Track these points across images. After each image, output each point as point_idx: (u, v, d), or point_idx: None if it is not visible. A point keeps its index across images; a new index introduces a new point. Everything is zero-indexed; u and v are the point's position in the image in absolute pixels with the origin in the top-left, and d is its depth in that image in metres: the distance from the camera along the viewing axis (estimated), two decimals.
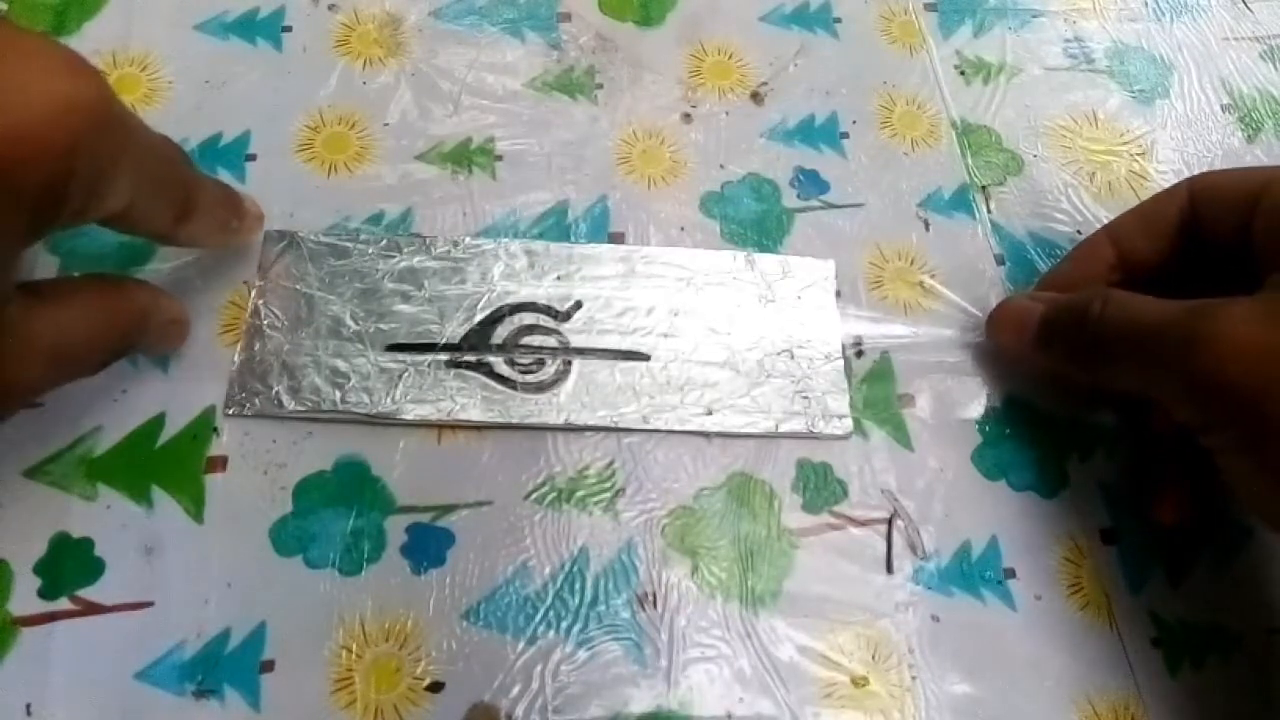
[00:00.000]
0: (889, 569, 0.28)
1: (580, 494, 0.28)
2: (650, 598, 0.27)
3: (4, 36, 0.19)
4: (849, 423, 0.30)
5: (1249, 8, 0.41)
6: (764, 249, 0.33)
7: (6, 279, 0.20)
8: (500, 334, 0.30)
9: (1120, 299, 0.26)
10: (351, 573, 0.26)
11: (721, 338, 0.31)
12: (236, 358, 0.29)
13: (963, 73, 0.38)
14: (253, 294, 0.30)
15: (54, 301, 0.23)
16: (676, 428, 0.29)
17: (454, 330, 0.30)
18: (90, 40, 0.34)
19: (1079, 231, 0.34)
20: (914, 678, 0.27)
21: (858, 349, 0.31)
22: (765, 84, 0.37)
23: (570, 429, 0.29)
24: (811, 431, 0.29)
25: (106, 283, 0.26)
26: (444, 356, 0.29)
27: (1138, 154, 0.36)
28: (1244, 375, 0.22)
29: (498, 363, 0.29)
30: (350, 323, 0.30)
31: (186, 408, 0.28)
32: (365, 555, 0.27)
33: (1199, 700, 0.27)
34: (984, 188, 0.35)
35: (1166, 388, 0.25)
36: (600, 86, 0.36)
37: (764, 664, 0.26)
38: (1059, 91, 0.38)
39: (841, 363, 0.31)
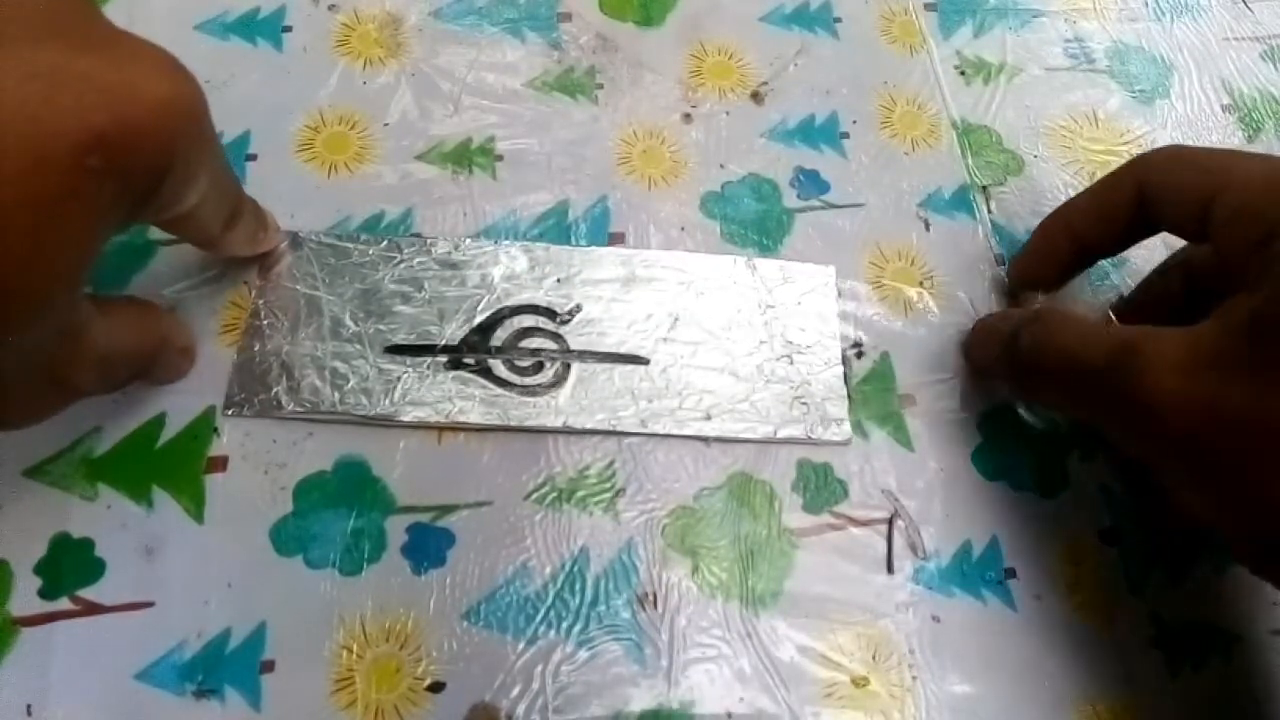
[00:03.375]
0: (889, 569, 0.28)
1: (580, 494, 0.28)
2: (650, 598, 0.27)
3: (117, 38, 0.20)
4: (848, 429, 0.29)
5: (1249, 8, 0.41)
6: (764, 249, 0.33)
7: (90, 267, 0.21)
8: (500, 336, 0.30)
9: (1048, 325, 0.25)
10: (352, 573, 0.26)
11: (721, 342, 0.31)
12: (236, 358, 0.29)
13: (963, 73, 0.38)
14: (253, 294, 0.30)
15: (105, 311, 0.24)
16: (675, 432, 0.29)
17: (453, 332, 0.30)
18: None
19: None
20: (914, 678, 0.27)
21: (858, 349, 0.31)
22: (765, 84, 0.37)
23: (569, 432, 0.29)
24: (810, 438, 0.29)
25: (140, 304, 0.27)
26: (443, 358, 0.29)
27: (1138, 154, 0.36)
28: (1174, 420, 0.21)
29: (497, 365, 0.29)
30: (350, 324, 0.30)
31: (186, 408, 0.28)
32: (365, 555, 0.27)
33: (1199, 701, 0.27)
34: (984, 188, 0.35)
35: (1105, 424, 0.24)
36: (600, 86, 0.36)
37: (764, 664, 0.26)
38: (1059, 91, 0.38)
39: (841, 369, 0.30)
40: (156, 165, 0.20)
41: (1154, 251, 0.34)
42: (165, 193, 0.21)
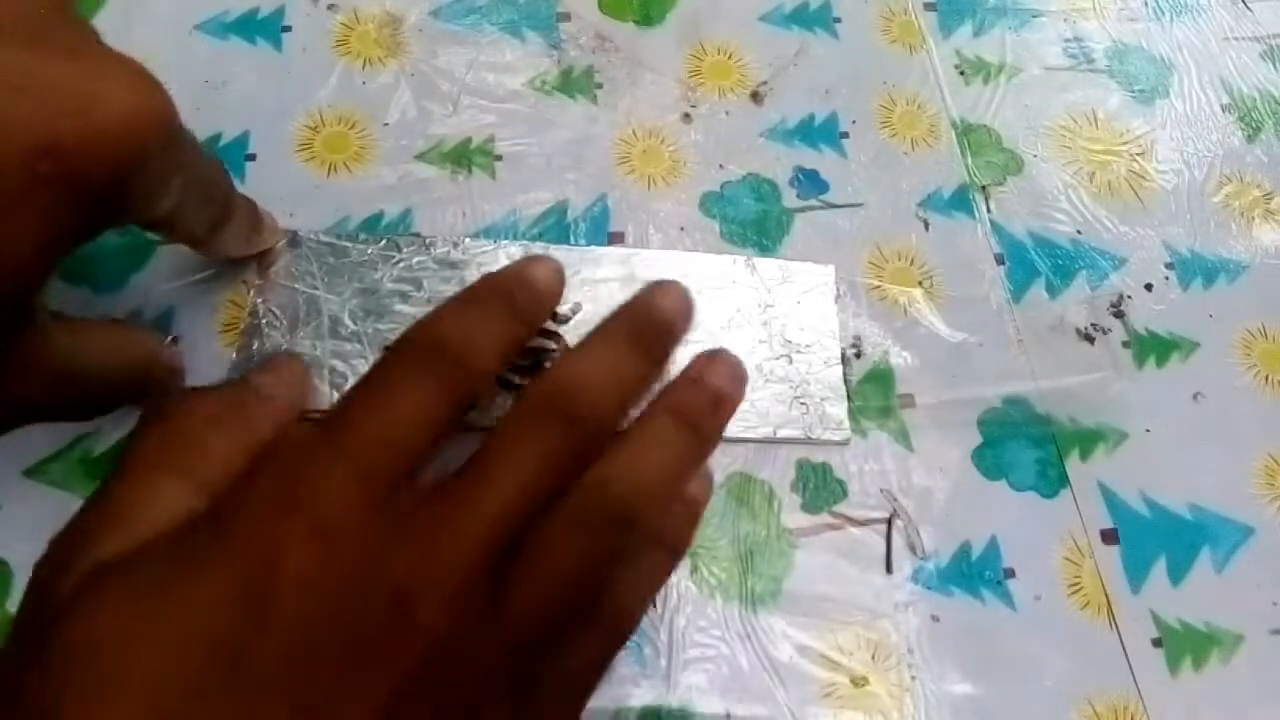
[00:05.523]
0: (888, 569, 0.28)
1: None
2: None
3: (88, 47, 0.20)
4: (847, 430, 0.29)
5: (1249, 8, 0.41)
6: (763, 249, 0.33)
7: (50, 276, 0.20)
8: None
9: None
10: None
11: (720, 342, 0.30)
12: (234, 357, 0.29)
13: (963, 73, 0.38)
14: (251, 293, 0.30)
15: (73, 329, 0.24)
16: None
17: None
18: None
19: (1079, 231, 0.34)
20: (913, 678, 0.27)
21: (857, 349, 0.31)
22: (765, 84, 0.37)
23: None
24: (809, 437, 0.29)
25: (119, 326, 0.27)
26: None
27: (1137, 154, 0.36)
28: None
29: None
30: (349, 323, 0.30)
31: None
32: None
33: (1199, 700, 0.27)
34: (984, 187, 0.35)
35: None
36: (600, 86, 0.36)
37: (763, 664, 0.26)
38: (1059, 91, 0.38)
39: (840, 369, 0.30)
40: (115, 175, 0.20)
41: (1155, 253, 0.34)
42: (133, 200, 0.21)
